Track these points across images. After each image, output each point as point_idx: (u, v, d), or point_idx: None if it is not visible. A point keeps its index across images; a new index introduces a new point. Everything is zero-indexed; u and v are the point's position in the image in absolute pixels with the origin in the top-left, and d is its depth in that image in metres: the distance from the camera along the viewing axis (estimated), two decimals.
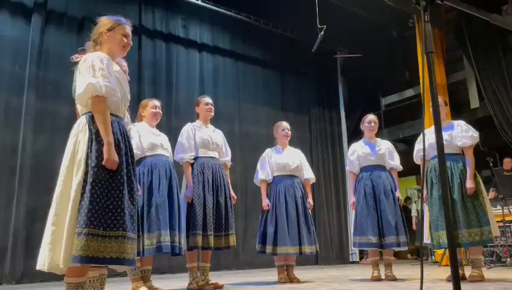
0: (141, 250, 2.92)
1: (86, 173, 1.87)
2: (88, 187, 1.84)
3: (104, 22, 2.16)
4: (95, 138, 1.93)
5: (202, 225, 3.28)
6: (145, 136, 3.23)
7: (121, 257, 1.87)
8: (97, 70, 1.97)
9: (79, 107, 2.07)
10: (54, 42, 5.27)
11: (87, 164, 1.89)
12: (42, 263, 1.84)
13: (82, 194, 1.84)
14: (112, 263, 1.88)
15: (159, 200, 3.04)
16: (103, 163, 1.89)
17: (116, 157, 1.92)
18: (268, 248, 3.78)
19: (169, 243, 2.98)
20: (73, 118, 2.16)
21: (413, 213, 8.78)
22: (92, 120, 1.96)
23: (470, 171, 3.38)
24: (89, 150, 1.91)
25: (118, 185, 1.92)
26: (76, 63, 2.20)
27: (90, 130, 1.94)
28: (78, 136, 1.95)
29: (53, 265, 1.81)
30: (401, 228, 3.76)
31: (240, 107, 7.04)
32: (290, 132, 4.15)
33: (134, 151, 2.98)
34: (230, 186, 3.61)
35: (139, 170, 3.11)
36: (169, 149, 3.40)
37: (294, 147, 4.26)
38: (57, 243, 1.81)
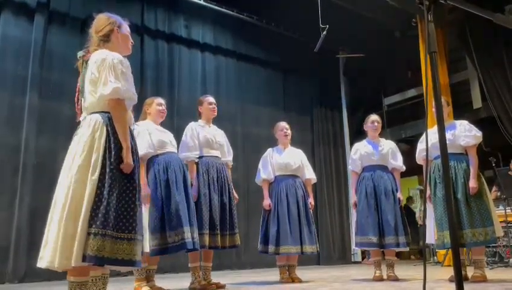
0: (166, 248, 2.93)
1: (102, 174, 1.87)
2: (106, 189, 1.85)
3: (110, 20, 2.14)
4: (113, 140, 1.93)
5: (209, 224, 3.28)
6: (155, 134, 3.21)
7: (133, 259, 1.88)
8: (119, 73, 1.96)
9: (91, 103, 2.00)
10: (56, 42, 5.28)
11: (103, 165, 1.88)
12: (51, 260, 1.80)
13: (98, 194, 1.84)
14: (123, 265, 1.89)
15: (178, 198, 3.00)
16: (122, 167, 1.90)
17: (132, 161, 1.94)
18: (271, 248, 3.78)
19: (191, 240, 2.95)
20: (76, 117, 2.14)
21: (417, 214, 8.77)
22: (110, 121, 1.95)
23: (473, 170, 3.36)
24: (107, 152, 1.90)
25: (131, 188, 1.94)
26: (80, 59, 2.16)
27: (107, 131, 1.94)
28: (95, 136, 1.93)
29: (64, 264, 1.79)
30: (400, 228, 3.76)
31: (242, 107, 7.04)
32: (289, 131, 4.14)
33: (148, 150, 3.05)
34: (232, 186, 3.62)
35: (154, 168, 3.08)
36: (176, 146, 3.39)
37: (296, 147, 4.25)
38: (68, 242, 1.80)
